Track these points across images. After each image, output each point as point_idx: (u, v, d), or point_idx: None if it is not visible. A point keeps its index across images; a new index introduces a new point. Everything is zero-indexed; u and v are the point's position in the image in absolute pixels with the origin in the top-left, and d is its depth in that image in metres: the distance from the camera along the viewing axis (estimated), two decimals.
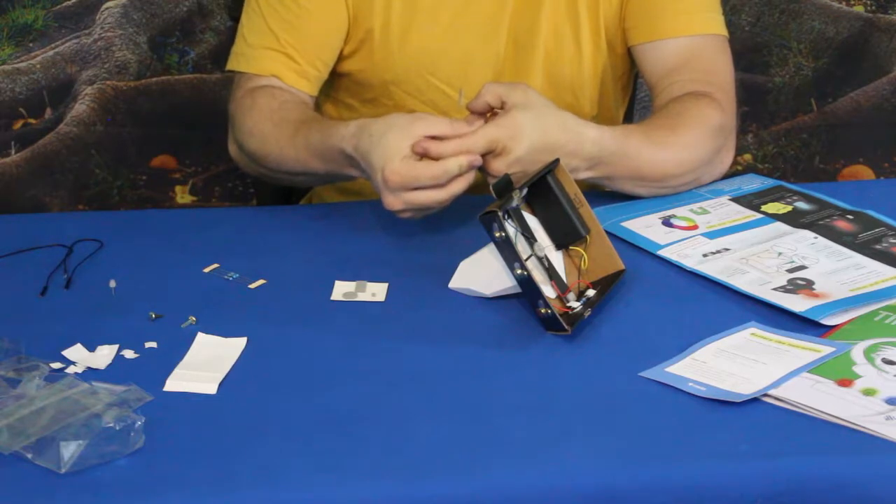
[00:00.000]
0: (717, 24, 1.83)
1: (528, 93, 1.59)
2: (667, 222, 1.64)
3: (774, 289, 1.48)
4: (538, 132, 1.56)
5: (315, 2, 1.80)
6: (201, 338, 1.41)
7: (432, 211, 1.56)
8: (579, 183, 1.53)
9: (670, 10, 1.81)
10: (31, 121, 2.57)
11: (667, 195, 1.71)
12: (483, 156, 1.54)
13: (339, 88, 1.90)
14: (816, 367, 1.33)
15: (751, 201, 1.69)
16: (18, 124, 2.57)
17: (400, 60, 1.81)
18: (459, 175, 1.52)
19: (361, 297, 1.49)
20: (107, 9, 2.53)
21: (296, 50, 1.80)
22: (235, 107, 1.81)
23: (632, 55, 1.86)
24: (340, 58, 1.85)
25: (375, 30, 1.81)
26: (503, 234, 1.40)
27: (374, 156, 1.54)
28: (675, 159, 1.70)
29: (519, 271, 1.41)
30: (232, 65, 1.85)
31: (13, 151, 2.56)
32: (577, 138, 1.60)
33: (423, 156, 1.53)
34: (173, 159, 2.69)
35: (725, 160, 1.76)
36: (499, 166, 1.54)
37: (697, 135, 1.72)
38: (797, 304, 1.44)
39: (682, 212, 1.66)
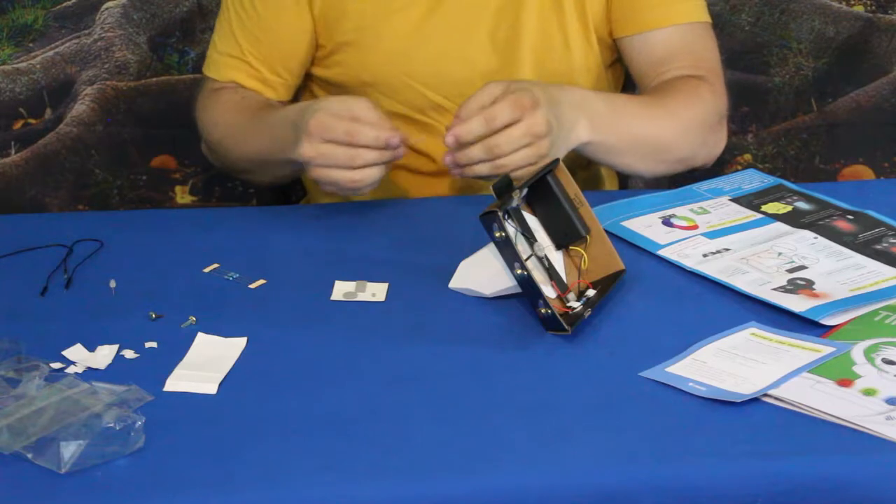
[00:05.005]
0: (701, 11, 1.86)
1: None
2: (667, 222, 1.64)
3: (774, 289, 1.48)
4: (534, 83, 1.62)
5: (273, 11, 1.83)
6: (201, 338, 1.41)
7: (348, 191, 1.61)
8: (578, 180, 1.53)
9: (655, 1, 1.82)
10: (31, 121, 2.56)
11: (664, 172, 1.75)
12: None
13: (318, 90, 1.91)
14: (816, 367, 1.33)
15: (751, 201, 1.69)
16: (18, 124, 2.57)
17: (374, 61, 1.82)
18: (375, 160, 1.57)
19: (361, 297, 1.49)
20: (107, 9, 2.52)
21: (256, 58, 1.84)
22: (200, 107, 1.87)
23: (618, 46, 1.87)
24: (315, 61, 1.87)
25: (349, 31, 1.81)
26: (503, 234, 1.40)
27: (307, 112, 1.59)
28: (671, 126, 1.75)
29: (519, 271, 1.41)
30: (203, 68, 1.91)
31: (13, 151, 2.56)
32: (579, 90, 1.70)
33: (456, 142, 1.57)
34: (173, 159, 2.68)
35: (720, 142, 1.82)
36: (538, 119, 1.56)
37: (692, 107, 1.77)
38: (797, 304, 1.44)
39: (682, 211, 1.66)
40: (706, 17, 1.86)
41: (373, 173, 1.59)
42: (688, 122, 1.77)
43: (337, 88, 1.87)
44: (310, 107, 1.62)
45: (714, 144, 1.80)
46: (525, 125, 1.55)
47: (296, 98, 1.94)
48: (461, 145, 1.56)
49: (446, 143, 1.56)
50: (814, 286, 1.48)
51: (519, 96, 1.56)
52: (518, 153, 1.56)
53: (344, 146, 1.57)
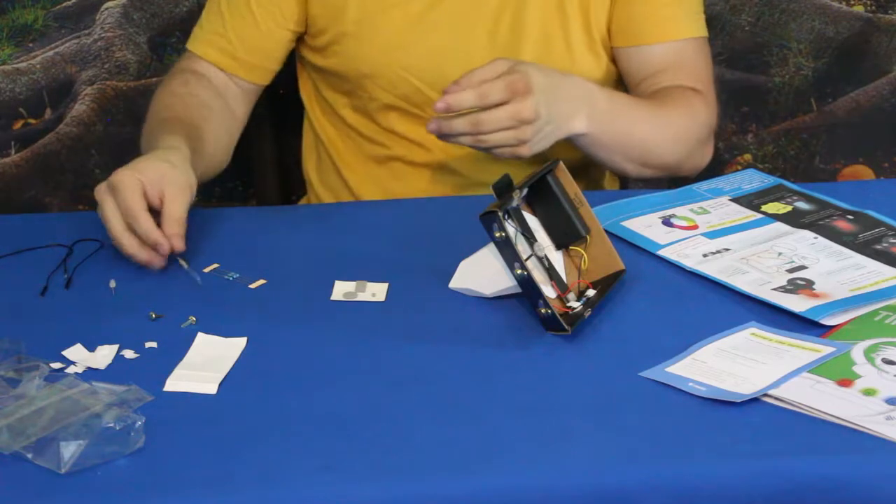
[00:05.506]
0: (699, 27, 1.88)
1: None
2: (667, 222, 1.64)
3: (774, 289, 1.48)
4: (539, 69, 1.62)
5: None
6: (201, 338, 1.41)
7: (135, 254, 1.53)
8: (578, 181, 1.53)
9: (655, 17, 1.83)
10: (31, 121, 2.56)
11: (647, 176, 1.80)
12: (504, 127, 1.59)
13: (319, 81, 1.92)
14: (816, 367, 1.33)
15: (751, 201, 1.69)
16: (18, 124, 2.57)
17: (371, 52, 1.82)
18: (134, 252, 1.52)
19: (361, 297, 1.49)
20: (107, 9, 2.52)
21: (236, 35, 1.85)
22: (166, 76, 1.88)
23: (613, 54, 1.88)
24: (315, 50, 1.86)
25: (349, 22, 1.82)
26: (503, 234, 1.40)
27: (134, 164, 1.54)
28: (664, 133, 1.78)
29: (519, 271, 1.41)
30: (187, 43, 1.91)
31: (13, 151, 2.56)
32: (584, 83, 1.70)
33: (446, 109, 1.57)
34: None
35: (706, 156, 1.86)
36: (526, 105, 1.57)
37: (686, 118, 1.80)
38: (797, 304, 1.44)
39: (682, 211, 1.66)
40: (703, 32, 1.89)
41: (131, 252, 1.55)
42: (680, 132, 1.80)
43: (335, 78, 1.88)
44: (142, 159, 1.57)
45: (700, 157, 1.85)
46: (512, 109, 1.58)
47: (295, 87, 1.95)
48: (450, 113, 1.59)
49: (436, 108, 1.57)
50: (814, 286, 1.48)
51: (515, 79, 1.57)
52: (499, 133, 1.59)
53: (118, 215, 1.53)
